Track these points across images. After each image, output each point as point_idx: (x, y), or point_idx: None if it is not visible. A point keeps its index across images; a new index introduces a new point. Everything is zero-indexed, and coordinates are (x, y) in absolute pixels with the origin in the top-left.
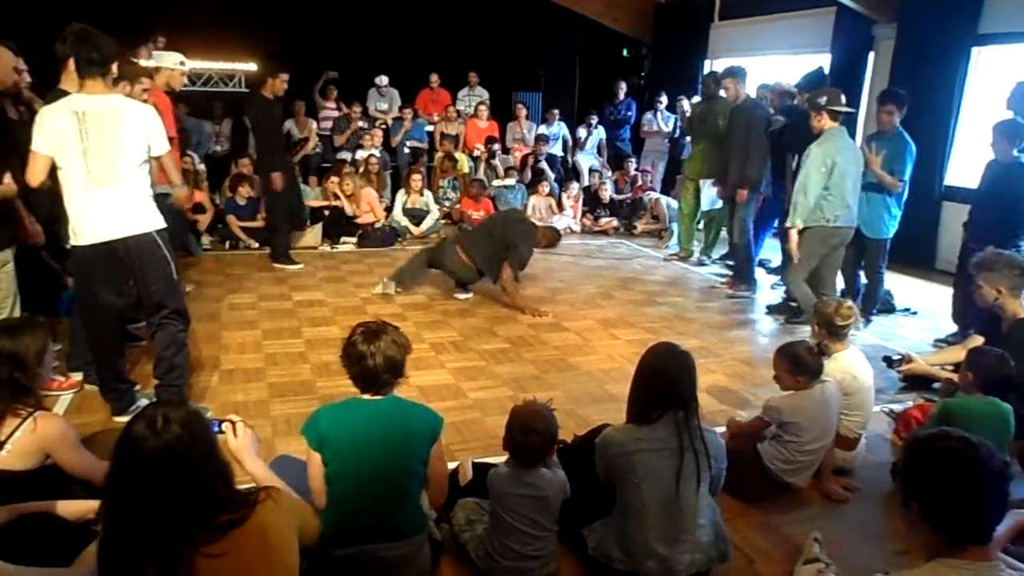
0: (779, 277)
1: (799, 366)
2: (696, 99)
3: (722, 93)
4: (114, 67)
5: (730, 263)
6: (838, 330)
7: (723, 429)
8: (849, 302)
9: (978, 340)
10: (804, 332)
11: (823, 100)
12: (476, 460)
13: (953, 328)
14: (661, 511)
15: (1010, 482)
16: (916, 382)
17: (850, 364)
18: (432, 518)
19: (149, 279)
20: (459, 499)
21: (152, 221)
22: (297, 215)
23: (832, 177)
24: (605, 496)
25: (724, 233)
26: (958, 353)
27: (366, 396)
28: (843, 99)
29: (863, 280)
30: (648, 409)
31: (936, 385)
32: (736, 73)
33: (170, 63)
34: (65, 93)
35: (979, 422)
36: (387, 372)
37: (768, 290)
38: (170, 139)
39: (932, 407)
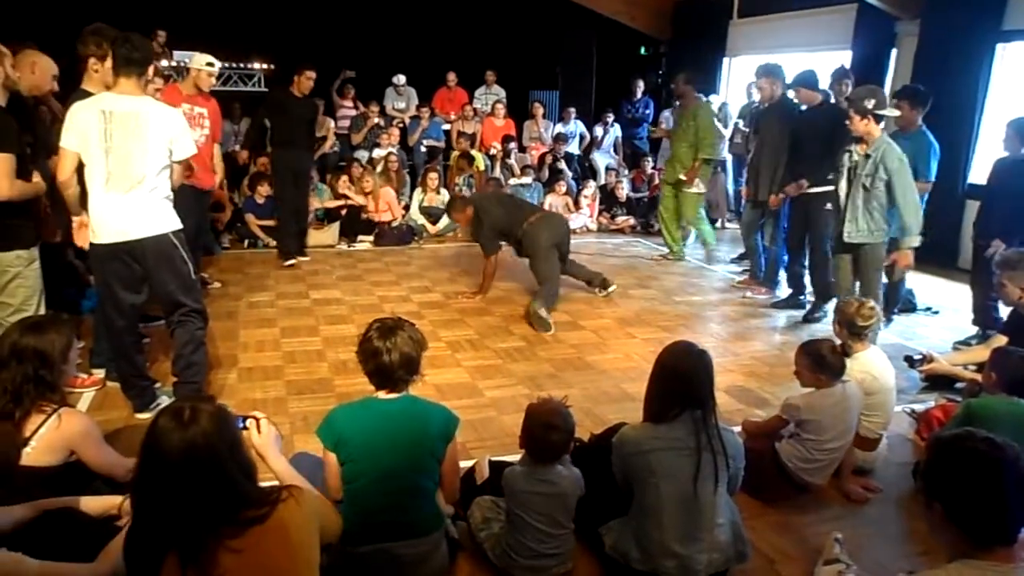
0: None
1: (822, 365)
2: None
3: (754, 92)
4: (150, 70)
5: (746, 263)
6: (860, 330)
7: (740, 428)
8: (871, 303)
9: (1002, 340)
10: (821, 331)
11: (871, 103)
12: (492, 458)
13: (974, 331)
14: (679, 510)
15: None
16: (938, 382)
17: (871, 364)
18: (449, 515)
19: (166, 279)
20: (476, 497)
21: (169, 222)
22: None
23: None
24: (622, 495)
25: (736, 232)
26: (981, 353)
27: (381, 394)
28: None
29: (883, 279)
30: (665, 408)
31: (959, 385)
32: (772, 72)
33: (198, 64)
34: (88, 94)
35: (1003, 423)
36: (402, 368)
37: (786, 289)
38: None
39: (954, 407)
